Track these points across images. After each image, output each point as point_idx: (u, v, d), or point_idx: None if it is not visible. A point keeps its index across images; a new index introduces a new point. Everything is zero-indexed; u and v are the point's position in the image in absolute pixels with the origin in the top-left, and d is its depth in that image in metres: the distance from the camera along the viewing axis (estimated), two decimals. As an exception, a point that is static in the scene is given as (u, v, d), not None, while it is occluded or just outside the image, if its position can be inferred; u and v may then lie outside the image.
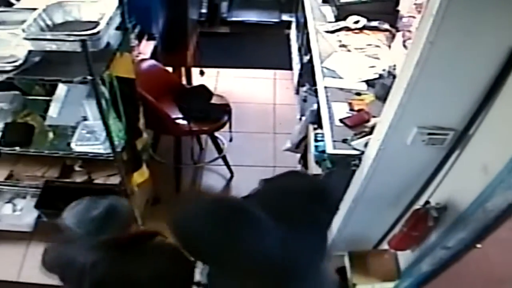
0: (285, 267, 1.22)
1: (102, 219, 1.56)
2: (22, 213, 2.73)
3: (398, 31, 2.94)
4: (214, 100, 3.14)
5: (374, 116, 2.27)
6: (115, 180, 2.50)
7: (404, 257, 2.28)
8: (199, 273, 1.57)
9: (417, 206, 2.02)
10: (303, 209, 1.34)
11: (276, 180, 1.54)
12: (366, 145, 2.11)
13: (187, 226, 1.21)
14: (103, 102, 1.97)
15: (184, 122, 2.89)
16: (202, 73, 4.15)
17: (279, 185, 1.49)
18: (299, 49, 4.05)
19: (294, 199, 1.37)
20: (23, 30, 1.73)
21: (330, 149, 2.20)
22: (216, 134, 3.33)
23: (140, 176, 2.51)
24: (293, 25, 4.68)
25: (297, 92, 4.07)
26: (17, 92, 2.42)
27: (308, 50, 3.23)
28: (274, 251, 1.19)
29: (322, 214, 1.41)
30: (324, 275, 1.44)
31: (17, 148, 2.23)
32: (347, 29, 3.08)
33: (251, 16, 5.12)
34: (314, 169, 2.44)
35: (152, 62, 2.96)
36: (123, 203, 1.71)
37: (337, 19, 3.16)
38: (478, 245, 1.72)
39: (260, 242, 1.18)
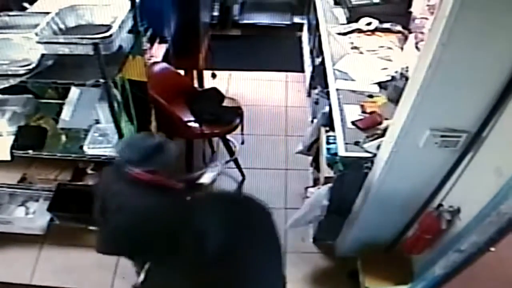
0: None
1: (148, 152, 1.68)
2: (35, 216, 2.74)
3: (410, 32, 2.92)
4: (226, 103, 3.14)
5: (386, 119, 2.25)
6: (127, 182, 2.51)
7: (417, 261, 2.26)
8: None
9: (430, 209, 2.00)
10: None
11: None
12: (378, 147, 2.10)
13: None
14: (115, 105, 1.98)
15: (196, 125, 2.90)
16: (214, 75, 4.16)
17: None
18: (311, 52, 4.03)
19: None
20: (36, 34, 1.76)
21: (342, 152, 2.19)
22: (228, 136, 3.33)
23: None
24: (305, 28, 4.67)
25: (309, 95, 4.06)
26: (30, 96, 2.45)
27: (320, 52, 3.22)
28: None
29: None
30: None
31: (30, 151, 2.25)
32: (359, 31, 3.07)
33: (262, 19, 5.12)
34: (326, 171, 2.43)
35: (164, 65, 2.98)
36: (173, 147, 1.78)
37: (349, 21, 3.15)
38: (492, 249, 1.69)
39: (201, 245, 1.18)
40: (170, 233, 1.24)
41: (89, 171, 2.59)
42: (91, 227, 2.74)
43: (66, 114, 2.39)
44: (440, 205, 1.91)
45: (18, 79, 1.81)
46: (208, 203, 1.39)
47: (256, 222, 1.38)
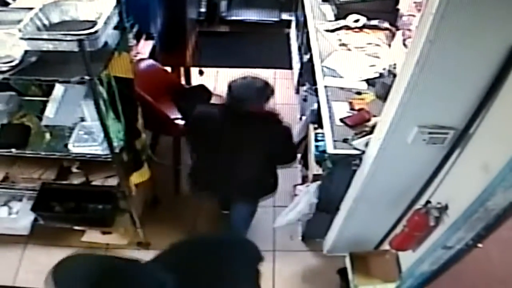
0: None
1: (259, 91, 2.12)
2: (18, 216, 2.69)
3: (398, 29, 2.93)
4: (213, 100, 3.13)
5: (374, 116, 2.25)
6: (113, 181, 2.47)
7: (405, 258, 2.26)
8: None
9: (418, 205, 2.01)
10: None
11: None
12: (366, 144, 2.10)
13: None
14: (101, 102, 1.95)
15: (183, 122, 2.88)
16: (201, 72, 4.13)
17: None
18: (299, 48, 4.03)
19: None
20: (19, 30, 1.71)
21: (330, 149, 2.19)
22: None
23: (141, 176, 2.49)
24: (293, 24, 4.66)
25: (297, 92, 4.05)
26: (13, 93, 2.40)
27: (308, 49, 3.22)
28: None
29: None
30: None
31: (13, 149, 2.20)
32: (347, 28, 3.07)
33: (250, 15, 5.09)
34: (315, 169, 2.42)
35: (151, 61, 2.95)
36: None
37: (337, 18, 3.15)
38: (479, 245, 1.71)
39: None
40: None
41: (74, 170, 2.54)
42: (76, 227, 2.70)
43: (50, 111, 2.34)
44: (428, 201, 1.92)
45: (0, 76, 1.76)
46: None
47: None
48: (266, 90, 2.14)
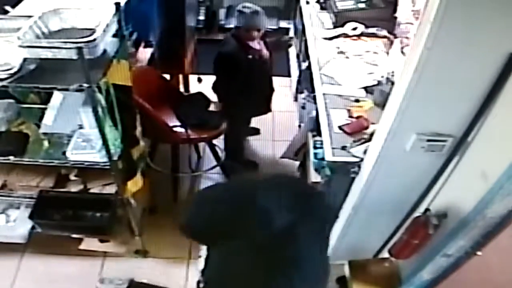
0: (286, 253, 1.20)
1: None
2: (16, 224, 2.67)
3: (396, 37, 2.94)
4: (212, 108, 3.13)
5: (373, 123, 2.25)
6: (111, 189, 2.47)
7: (405, 266, 2.25)
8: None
9: (417, 213, 2.01)
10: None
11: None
12: (365, 152, 2.10)
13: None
14: (99, 110, 1.95)
15: (182, 129, 2.88)
16: (200, 80, 4.13)
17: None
18: (297, 56, 4.05)
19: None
20: (18, 38, 1.71)
21: (329, 156, 2.18)
22: (214, 142, 3.31)
23: (134, 185, 2.48)
24: (291, 32, 4.68)
25: (296, 99, 4.06)
26: (11, 101, 2.40)
27: (307, 57, 3.23)
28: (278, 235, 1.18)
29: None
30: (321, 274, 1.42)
31: (11, 157, 2.20)
32: (345, 35, 3.08)
33: (249, 24, 5.09)
34: (313, 176, 2.42)
35: (149, 69, 2.96)
36: None
37: (335, 26, 3.16)
38: (479, 253, 1.70)
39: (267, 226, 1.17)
40: (234, 208, 1.24)
41: (72, 178, 2.54)
42: (73, 235, 2.69)
43: (48, 119, 2.34)
44: (427, 209, 1.92)
45: (-1, 84, 1.77)
46: (273, 183, 1.38)
47: (316, 211, 1.36)
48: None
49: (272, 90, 3.35)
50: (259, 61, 2.97)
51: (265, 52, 3.03)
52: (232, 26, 3.08)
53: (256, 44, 2.97)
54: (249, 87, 2.96)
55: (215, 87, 3.16)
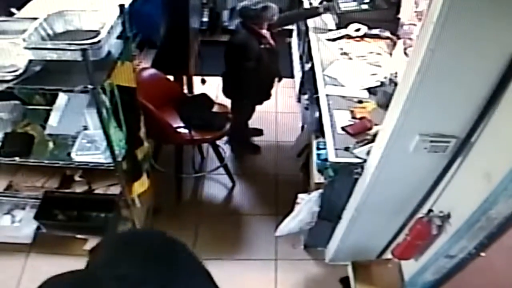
0: None
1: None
2: (21, 225, 2.69)
3: (399, 38, 2.95)
4: (215, 109, 3.14)
5: (376, 124, 2.26)
6: (115, 190, 2.48)
7: (408, 267, 2.26)
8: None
9: (420, 214, 2.01)
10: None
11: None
12: (368, 153, 2.10)
13: None
14: (104, 111, 1.96)
15: (186, 131, 2.88)
16: (203, 81, 4.14)
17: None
18: (301, 57, 4.04)
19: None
20: (24, 40, 1.73)
21: (332, 157, 2.19)
22: (218, 142, 3.31)
23: (141, 186, 2.49)
24: (295, 33, 4.68)
25: (299, 100, 4.06)
26: (17, 102, 2.41)
27: (310, 58, 3.23)
28: None
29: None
30: None
31: (17, 158, 2.21)
32: (348, 37, 3.09)
33: (252, 25, 5.10)
34: (317, 177, 2.42)
35: (153, 70, 2.96)
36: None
37: (338, 27, 3.17)
38: (482, 254, 1.70)
39: None
40: None
41: (77, 178, 2.55)
42: (78, 236, 2.70)
43: (53, 120, 2.35)
44: (430, 210, 1.92)
45: (5, 85, 1.77)
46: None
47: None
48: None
49: (280, 77, 3.48)
50: (270, 50, 3.01)
51: (272, 42, 3.05)
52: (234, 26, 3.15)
53: (266, 34, 3.00)
54: (260, 75, 3.02)
55: (225, 78, 3.29)
